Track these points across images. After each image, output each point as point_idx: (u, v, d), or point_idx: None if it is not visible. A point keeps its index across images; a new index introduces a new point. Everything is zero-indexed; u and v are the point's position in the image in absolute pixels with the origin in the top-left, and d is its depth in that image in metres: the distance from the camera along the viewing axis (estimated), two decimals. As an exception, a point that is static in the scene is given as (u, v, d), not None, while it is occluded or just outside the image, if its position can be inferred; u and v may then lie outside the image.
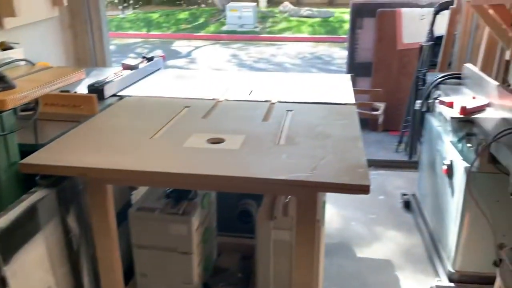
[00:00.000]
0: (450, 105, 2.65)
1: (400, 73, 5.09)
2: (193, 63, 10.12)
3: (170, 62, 9.76)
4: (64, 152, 1.71)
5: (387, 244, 3.07)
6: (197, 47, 11.90)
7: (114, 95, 2.49)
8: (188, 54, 11.12)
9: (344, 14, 14.01)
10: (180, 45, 12.22)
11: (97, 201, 1.70)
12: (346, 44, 6.11)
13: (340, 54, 10.70)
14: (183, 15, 15.00)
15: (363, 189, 1.48)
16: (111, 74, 2.69)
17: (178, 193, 2.11)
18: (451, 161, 2.59)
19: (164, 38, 13.30)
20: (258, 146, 1.76)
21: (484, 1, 2.67)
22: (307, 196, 1.58)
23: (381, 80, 5.12)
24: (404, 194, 3.60)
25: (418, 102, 3.50)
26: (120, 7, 15.58)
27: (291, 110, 2.22)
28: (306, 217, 1.61)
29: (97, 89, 2.37)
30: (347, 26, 12.98)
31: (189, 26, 14.07)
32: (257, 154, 1.69)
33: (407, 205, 3.53)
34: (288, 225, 1.98)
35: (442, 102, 2.73)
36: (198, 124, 2.03)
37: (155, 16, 14.84)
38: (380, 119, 5.09)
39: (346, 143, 1.81)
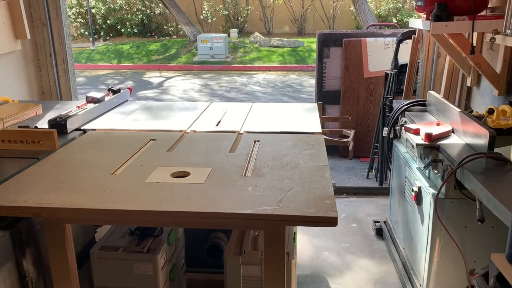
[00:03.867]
0: (416, 132, 2.68)
1: (368, 101, 5.19)
2: (164, 93, 10.08)
3: (141, 93, 9.69)
4: (20, 191, 1.63)
5: (360, 273, 3.03)
6: (168, 78, 11.90)
7: (77, 129, 2.42)
8: (160, 84, 11.10)
9: (312, 43, 14.35)
10: (152, 76, 12.20)
11: (55, 242, 1.61)
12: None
13: (310, 82, 10.89)
14: (154, 46, 15.05)
15: (331, 221, 1.46)
16: (74, 107, 2.63)
17: (143, 229, 2.03)
18: (419, 187, 2.61)
19: (135, 69, 13.27)
20: (224, 179, 1.72)
21: (443, 31, 2.75)
22: (274, 229, 1.54)
23: (349, 107, 5.21)
24: (376, 222, 3.59)
25: (386, 129, 3.55)
26: (91, 39, 15.52)
27: (258, 141, 2.20)
28: (275, 251, 1.56)
29: (58, 124, 2.30)
30: (315, 55, 13.36)
31: (160, 57, 14.11)
32: (222, 187, 1.65)
33: (379, 233, 3.52)
34: (258, 260, 1.93)
35: (408, 129, 2.76)
36: (162, 157, 1.98)
37: (126, 47, 14.83)
38: (351, 146, 5.17)
39: (314, 173, 1.79)
